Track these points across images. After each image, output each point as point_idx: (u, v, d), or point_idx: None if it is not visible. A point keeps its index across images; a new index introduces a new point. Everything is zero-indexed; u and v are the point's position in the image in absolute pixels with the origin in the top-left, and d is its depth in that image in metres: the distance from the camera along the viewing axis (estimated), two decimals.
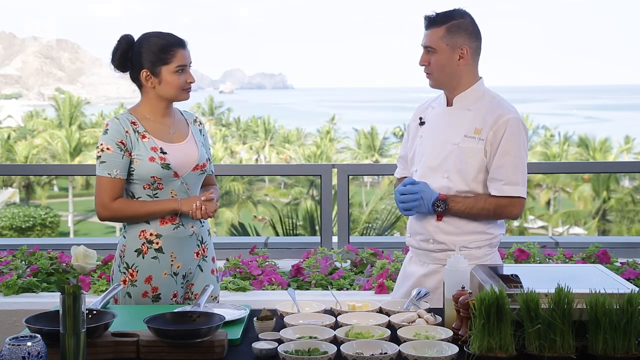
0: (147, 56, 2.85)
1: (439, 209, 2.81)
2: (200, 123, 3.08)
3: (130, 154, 2.85)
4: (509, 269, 2.71)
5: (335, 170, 5.08)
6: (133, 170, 2.85)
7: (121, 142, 2.84)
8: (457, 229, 2.85)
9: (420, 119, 3.00)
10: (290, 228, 7.54)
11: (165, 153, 2.86)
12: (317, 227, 8.70)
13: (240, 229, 9.14)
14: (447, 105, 2.93)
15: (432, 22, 2.85)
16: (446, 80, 2.88)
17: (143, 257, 2.88)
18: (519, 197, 2.84)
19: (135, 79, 2.91)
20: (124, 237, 2.92)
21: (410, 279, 2.98)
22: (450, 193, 2.83)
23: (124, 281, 2.89)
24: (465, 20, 2.85)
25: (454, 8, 2.88)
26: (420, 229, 2.92)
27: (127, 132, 2.85)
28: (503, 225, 2.96)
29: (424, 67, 2.90)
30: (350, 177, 5.12)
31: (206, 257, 3.02)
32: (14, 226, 30.92)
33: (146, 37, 2.89)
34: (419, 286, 2.89)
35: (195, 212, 2.84)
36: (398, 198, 2.86)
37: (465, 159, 2.83)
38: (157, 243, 2.88)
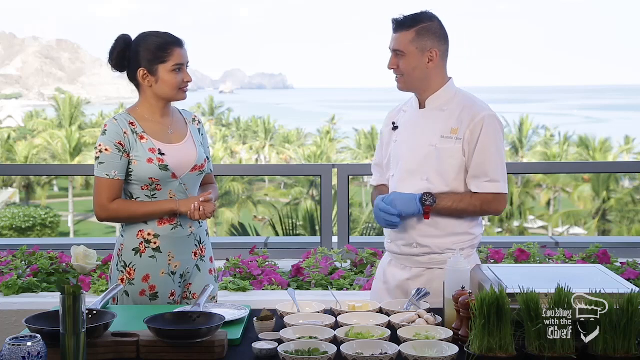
0: (144, 55, 2.85)
1: (427, 202, 2.77)
2: (199, 122, 3.08)
3: (128, 155, 2.85)
4: (509, 269, 2.71)
5: (335, 170, 5.07)
6: (131, 171, 2.85)
7: (119, 143, 2.84)
8: (441, 231, 2.84)
9: (393, 123, 2.99)
10: (290, 228, 7.55)
11: (164, 154, 2.86)
12: (317, 227, 8.70)
13: (241, 229, 9.15)
14: (420, 108, 2.92)
15: (401, 25, 2.83)
16: (416, 83, 2.87)
17: (141, 256, 2.89)
18: (502, 193, 2.84)
19: (133, 78, 2.91)
20: (122, 236, 2.93)
21: (392, 284, 2.96)
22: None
23: (122, 280, 2.89)
24: (434, 23, 2.85)
25: (421, 11, 2.87)
26: (401, 234, 2.89)
27: (125, 133, 2.85)
28: (482, 224, 2.97)
29: (392, 70, 2.88)
30: (351, 177, 5.11)
31: (204, 257, 3.02)
32: (14, 226, 30.93)
33: (143, 36, 2.90)
34: (403, 291, 2.90)
35: (194, 212, 2.84)
36: (378, 214, 2.82)
37: (445, 159, 2.82)
38: (155, 243, 2.89)
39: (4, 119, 58.75)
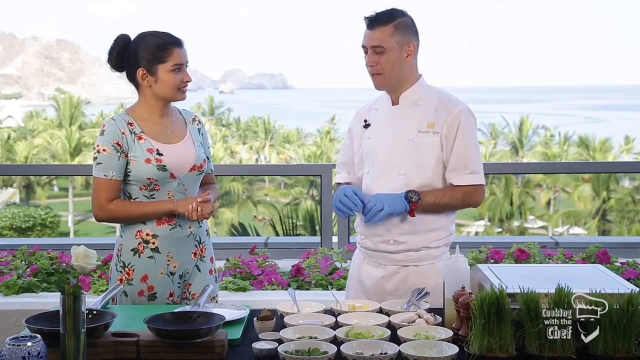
0: (143, 55, 2.84)
1: (413, 199, 2.78)
2: (199, 122, 3.07)
3: (126, 155, 2.84)
4: (509, 269, 2.71)
5: (335, 170, 5.06)
6: (129, 172, 2.85)
7: (117, 144, 2.83)
8: (417, 227, 2.85)
9: (365, 121, 2.99)
10: (290, 228, 7.54)
11: (162, 154, 2.85)
12: (317, 227, 8.70)
13: (240, 229, 9.15)
14: (393, 105, 2.93)
15: (377, 21, 2.83)
16: (394, 79, 2.88)
17: (139, 257, 2.88)
18: (482, 184, 2.89)
19: (132, 78, 2.91)
20: (121, 237, 2.93)
21: (367, 284, 2.96)
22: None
23: (121, 280, 2.89)
24: (407, 17, 2.87)
25: (392, 7, 2.87)
26: (378, 230, 2.89)
27: (123, 133, 2.84)
28: (455, 222, 2.98)
29: (371, 67, 2.87)
30: None
31: (204, 257, 3.01)
32: (14, 226, 30.93)
33: (143, 36, 2.89)
34: (378, 289, 2.90)
35: (191, 213, 2.84)
36: (342, 200, 2.80)
37: (423, 153, 2.84)
38: (154, 243, 2.88)
39: (4, 119, 58.74)
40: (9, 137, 41.79)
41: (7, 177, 36.32)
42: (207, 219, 2.91)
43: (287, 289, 3.52)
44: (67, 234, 34.86)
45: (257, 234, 9.87)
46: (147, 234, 2.88)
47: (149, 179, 2.84)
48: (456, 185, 2.84)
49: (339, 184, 3.12)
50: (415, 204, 2.79)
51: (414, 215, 2.81)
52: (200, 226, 2.99)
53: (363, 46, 2.88)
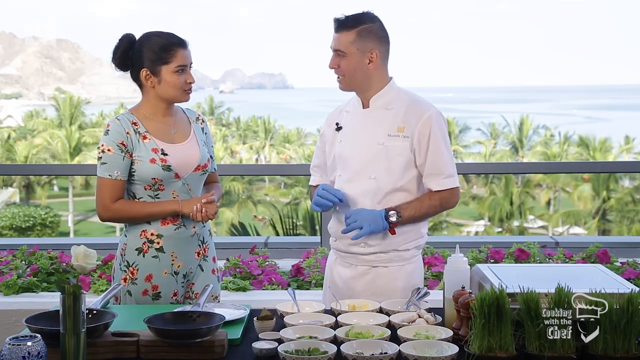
0: (147, 55, 2.84)
1: (394, 219, 2.77)
2: (203, 121, 3.06)
3: (131, 155, 2.84)
4: (509, 269, 2.71)
5: None
6: (134, 171, 2.84)
7: (122, 144, 2.83)
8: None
9: (337, 124, 2.98)
10: (290, 228, 7.54)
11: (166, 154, 2.85)
12: (317, 227, 8.70)
13: (241, 229, 9.14)
14: (364, 108, 2.93)
15: (342, 25, 2.83)
16: (357, 83, 2.88)
17: (143, 256, 2.88)
18: (457, 187, 2.89)
19: (136, 78, 2.90)
20: (125, 236, 2.92)
21: (339, 284, 2.95)
22: (379, 194, 2.83)
23: (125, 279, 2.89)
24: (375, 24, 2.85)
25: (363, 11, 2.87)
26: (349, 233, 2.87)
27: (128, 133, 2.84)
28: (427, 225, 2.98)
29: (333, 70, 2.88)
30: None
31: (207, 257, 3.01)
32: (14, 226, 30.93)
33: (147, 36, 2.89)
34: (348, 289, 2.90)
35: (196, 214, 2.84)
36: (323, 194, 2.81)
37: (393, 157, 2.83)
38: (158, 243, 2.88)
39: (4, 119, 58.76)
40: (9, 137, 41.79)
41: (7, 177, 36.33)
42: (211, 219, 2.91)
43: (287, 289, 3.52)
44: (67, 234, 34.87)
45: (257, 234, 9.87)
46: (152, 234, 2.88)
47: (154, 178, 2.84)
48: (434, 191, 2.84)
49: (312, 186, 3.11)
50: (395, 223, 2.79)
51: (395, 233, 2.81)
52: (204, 226, 3.00)
53: (330, 47, 2.88)
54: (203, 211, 2.84)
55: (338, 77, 2.89)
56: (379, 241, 2.84)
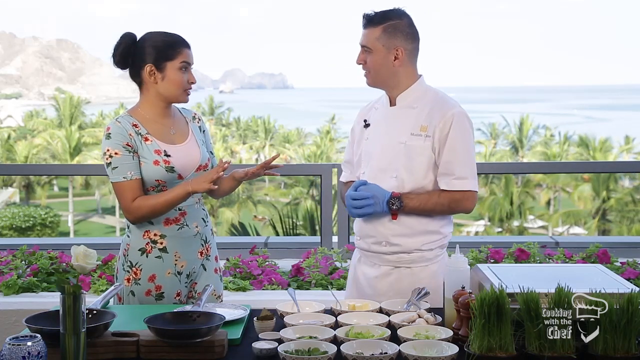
0: (151, 51, 2.83)
1: (394, 207, 2.79)
2: (200, 119, 3.06)
3: (137, 155, 2.83)
4: (509, 269, 2.71)
5: (335, 170, 5.07)
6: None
7: (127, 145, 2.81)
8: (411, 229, 2.84)
9: (365, 121, 2.99)
10: (290, 228, 7.54)
11: (169, 155, 2.84)
12: (317, 227, 8.70)
13: (241, 229, 9.14)
14: (391, 105, 2.93)
15: (370, 21, 2.85)
16: (383, 80, 2.88)
17: (147, 256, 2.87)
18: (471, 190, 2.84)
19: (136, 75, 2.89)
20: (128, 237, 2.91)
21: (362, 281, 2.96)
22: (402, 192, 2.83)
23: (128, 280, 2.88)
24: (403, 21, 2.85)
25: (392, 8, 2.87)
26: (371, 231, 2.89)
27: (130, 135, 2.82)
28: (452, 224, 2.97)
29: (359, 65, 2.90)
30: None
31: (209, 256, 3.01)
32: (14, 226, 30.93)
33: (151, 34, 2.88)
34: (372, 288, 2.90)
35: (205, 182, 2.73)
36: (350, 203, 2.83)
37: (414, 157, 2.82)
38: (161, 243, 2.88)
39: (4, 119, 58.74)
40: (9, 137, 41.78)
41: (7, 177, 36.32)
42: (216, 186, 2.76)
43: (287, 289, 3.52)
44: (67, 234, 34.86)
45: (257, 234, 9.87)
46: (155, 234, 2.87)
47: (157, 180, 2.83)
48: (444, 190, 2.83)
49: (342, 183, 3.12)
50: (395, 212, 2.80)
51: (396, 218, 2.82)
52: (206, 225, 2.99)
53: (359, 43, 2.89)
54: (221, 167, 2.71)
55: (365, 73, 2.90)
56: (401, 240, 2.84)
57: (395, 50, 2.83)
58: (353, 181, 3.03)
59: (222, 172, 2.73)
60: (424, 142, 2.82)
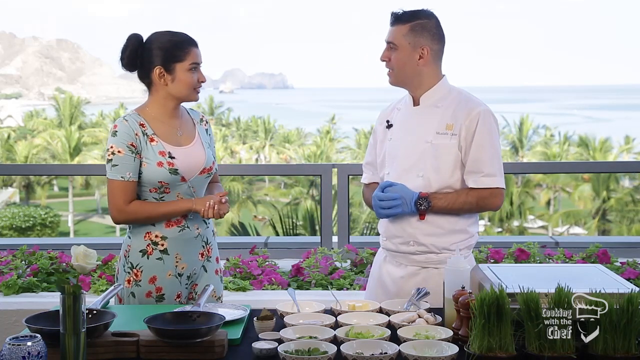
0: (160, 53, 2.81)
1: (422, 207, 2.79)
2: (207, 122, 3.05)
3: (140, 156, 2.82)
4: (509, 269, 2.71)
5: (335, 170, 5.07)
6: (141, 174, 2.82)
7: (132, 145, 2.80)
8: (439, 229, 2.84)
9: (388, 121, 2.99)
10: (290, 228, 7.55)
11: (174, 157, 2.83)
12: (317, 227, 8.70)
13: (241, 229, 9.15)
14: (414, 105, 2.93)
15: (398, 19, 2.86)
16: (406, 78, 2.89)
17: (148, 258, 2.87)
18: (499, 187, 2.84)
19: (145, 77, 2.87)
20: (129, 238, 2.90)
21: (387, 281, 2.96)
22: (429, 191, 2.83)
23: (129, 281, 2.88)
24: (430, 21, 2.86)
25: (421, 8, 2.88)
26: (398, 232, 2.89)
27: (136, 134, 2.81)
28: (478, 224, 2.97)
29: (383, 62, 2.90)
30: (351, 177, 5.11)
31: (210, 257, 3.00)
32: (14, 226, 30.92)
33: (157, 35, 2.86)
34: (397, 288, 2.90)
35: (207, 211, 2.81)
36: (377, 204, 2.83)
37: (440, 155, 2.83)
38: (163, 245, 2.87)
39: (4, 119, 58.70)
40: (9, 137, 41.76)
41: (7, 177, 36.32)
42: (221, 217, 2.85)
43: (287, 289, 3.52)
44: (67, 234, 34.85)
45: (257, 234, 9.88)
46: (156, 236, 2.86)
47: (160, 182, 2.82)
48: (472, 188, 2.83)
49: (364, 184, 3.11)
50: (424, 212, 2.80)
51: (424, 218, 2.82)
52: (207, 227, 2.99)
53: (385, 40, 2.90)
54: (215, 208, 2.81)
55: (388, 71, 2.90)
56: (429, 239, 2.84)
57: (421, 49, 2.83)
58: (374, 183, 3.04)
59: (226, 197, 2.86)
60: (450, 141, 2.82)
